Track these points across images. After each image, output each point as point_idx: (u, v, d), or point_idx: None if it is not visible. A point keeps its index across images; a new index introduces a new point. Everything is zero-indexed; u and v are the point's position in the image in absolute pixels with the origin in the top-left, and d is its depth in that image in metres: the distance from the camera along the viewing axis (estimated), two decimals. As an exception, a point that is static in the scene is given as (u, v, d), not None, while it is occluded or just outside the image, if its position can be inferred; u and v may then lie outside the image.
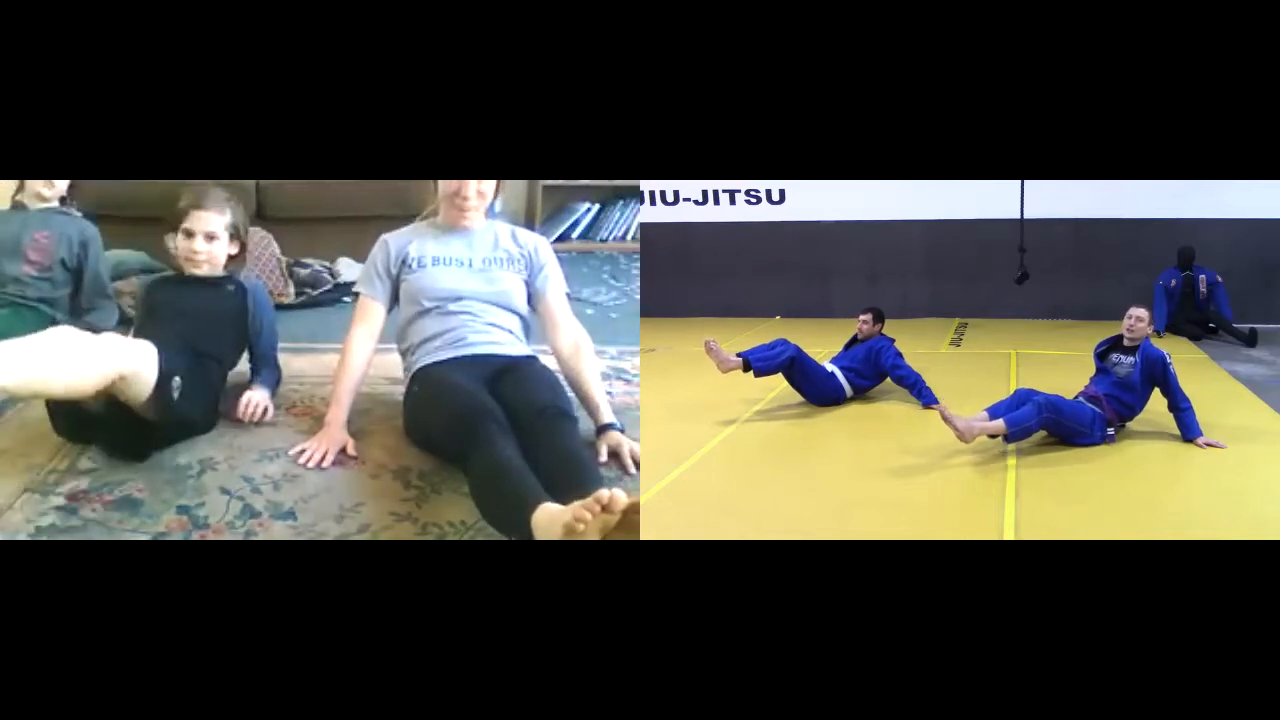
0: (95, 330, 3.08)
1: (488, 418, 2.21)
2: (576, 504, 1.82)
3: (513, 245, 2.71)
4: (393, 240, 2.68)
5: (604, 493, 1.80)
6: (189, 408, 2.37)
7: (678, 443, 3.49)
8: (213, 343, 2.62)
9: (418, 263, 2.63)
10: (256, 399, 2.67)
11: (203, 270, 2.68)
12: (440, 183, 2.65)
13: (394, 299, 2.67)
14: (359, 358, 2.58)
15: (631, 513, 1.83)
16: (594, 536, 1.82)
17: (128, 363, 2.15)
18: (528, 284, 2.69)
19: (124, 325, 2.97)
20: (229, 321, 2.70)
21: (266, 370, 2.80)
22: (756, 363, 3.85)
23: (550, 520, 1.87)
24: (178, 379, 2.28)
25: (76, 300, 3.20)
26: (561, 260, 2.83)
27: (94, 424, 2.27)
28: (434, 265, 2.62)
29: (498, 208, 2.83)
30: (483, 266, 2.63)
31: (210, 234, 2.65)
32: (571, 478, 2.05)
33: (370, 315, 2.64)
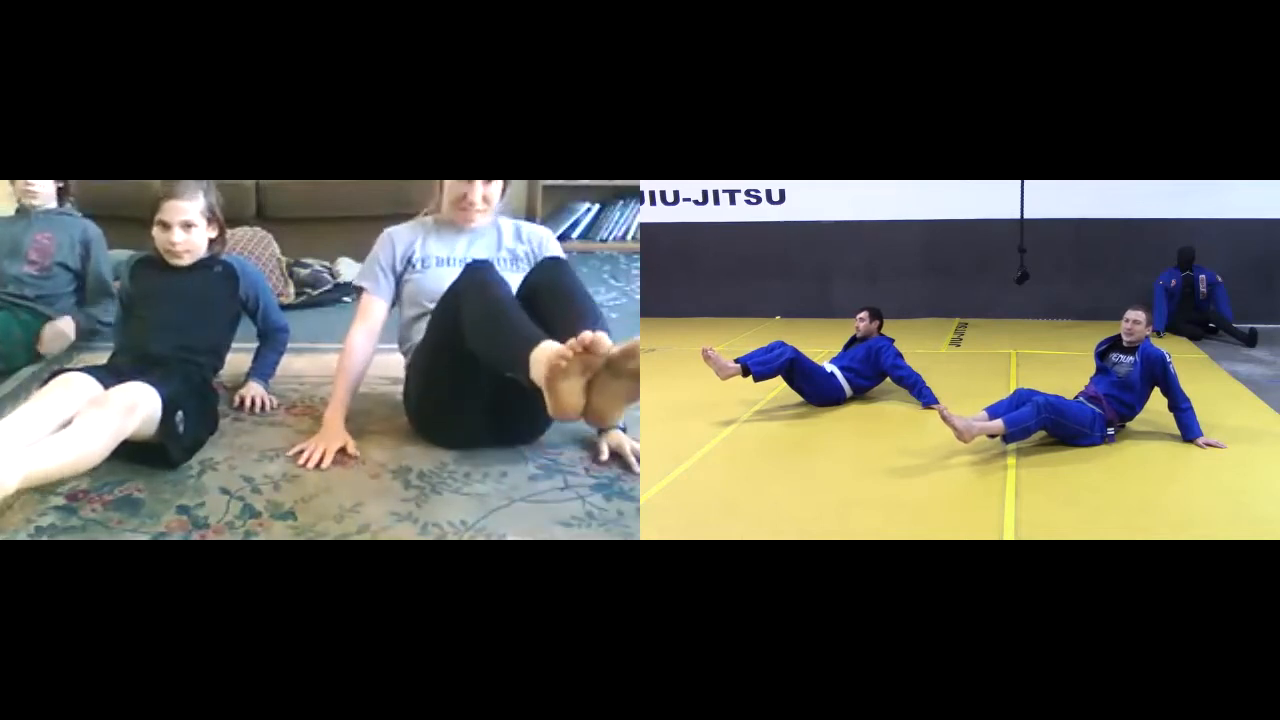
0: (102, 325, 3.12)
1: (491, 280, 2.27)
2: (561, 346, 1.91)
3: (517, 243, 2.69)
4: (398, 236, 2.66)
5: (587, 334, 1.89)
6: (196, 431, 2.38)
7: (678, 443, 3.49)
8: (205, 331, 2.62)
9: (421, 263, 2.61)
10: (251, 395, 2.69)
11: (184, 261, 2.64)
12: (445, 184, 2.64)
13: (397, 297, 2.67)
14: (359, 357, 2.57)
15: (626, 359, 1.91)
16: (579, 378, 1.91)
17: (134, 423, 2.14)
18: None
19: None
20: (220, 305, 2.69)
21: (271, 351, 2.81)
22: (755, 367, 3.85)
23: (538, 360, 1.97)
24: (181, 413, 2.28)
25: (80, 297, 3.21)
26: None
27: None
28: (437, 266, 2.61)
29: (499, 208, 2.82)
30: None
31: (186, 223, 2.61)
32: (571, 316, 2.15)
33: (371, 313, 2.62)
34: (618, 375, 1.93)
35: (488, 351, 2.17)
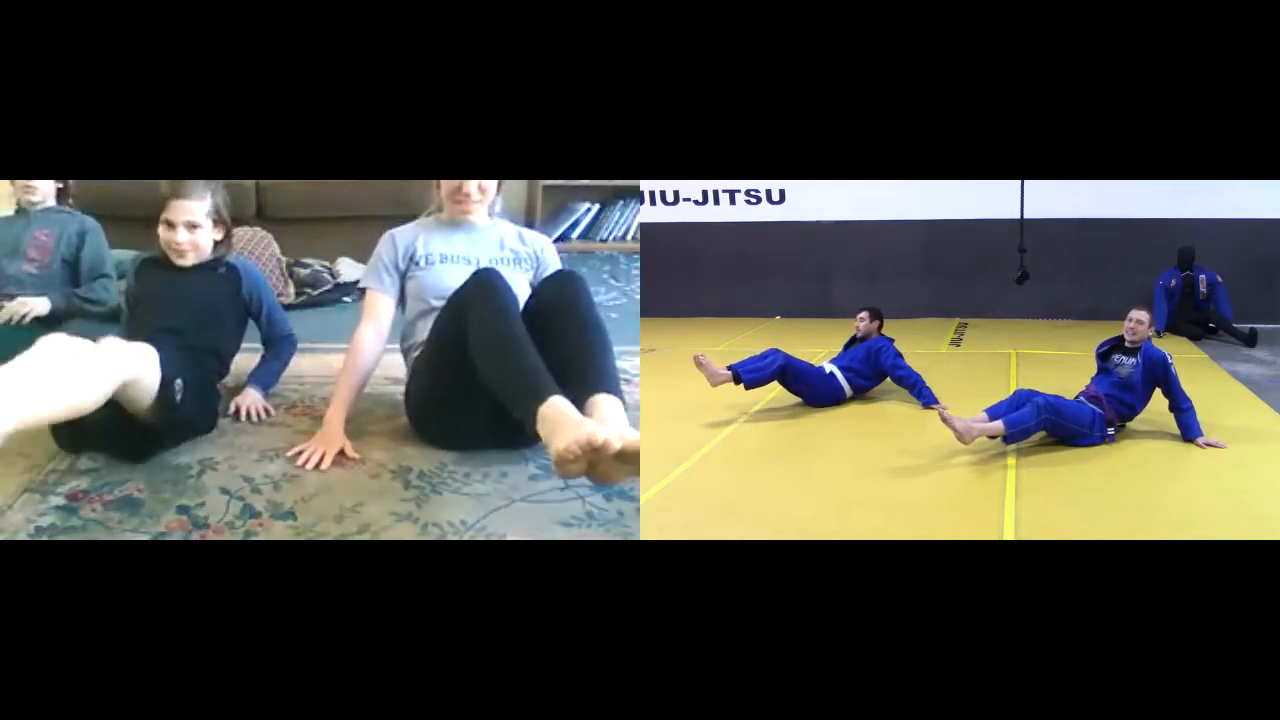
0: (92, 304, 3.10)
1: (503, 298, 2.23)
2: (571, 439, 1.86)
3: (519, 245, 2.70)
4: (400, 236, 2.67)
5: (597, 437, 1.84)
6: (192, 409, 2.36)
7: (678, 443, 3.49)
8: (210, 332, 2.62)
9: (425, 260, 2.62)
10: (248, 403, 2.67)
11: (188, 260, 2.65)
12: (442, 181, 2.65)
13: (401, 295, 2.67)
14: (367, 356, 2.55)
15: (631, 452, 1.88)
16: (584, 461, 1.87)
17: (129, 370, 2.11)
18: (532, 285, 2.68)
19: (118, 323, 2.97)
20: (224, 306, 2.69)
21: (274, 359, 2.81)
22: (747, 374, 3.85)
23: (545, 417, 1.95)
24: (179, 381, 2.27)
25: (75, 283, 3.20)
26: (562, 260, 2.83)
27: (94, 432, 2.23)
28: (441, 263, 2.61)
29: (497, 207, 2.83)
30: (489, 265, 2.62)
31: (191, 223, 2.61)
32: (582, 371, 2.14)
33: (379, 311, 2.61)
34: (624, 461, 1.92)
35: (495, 386, 2.14)
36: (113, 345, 2.14)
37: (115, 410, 2.14)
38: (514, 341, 2.14)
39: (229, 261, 2.74)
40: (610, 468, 1.91)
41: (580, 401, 2.04)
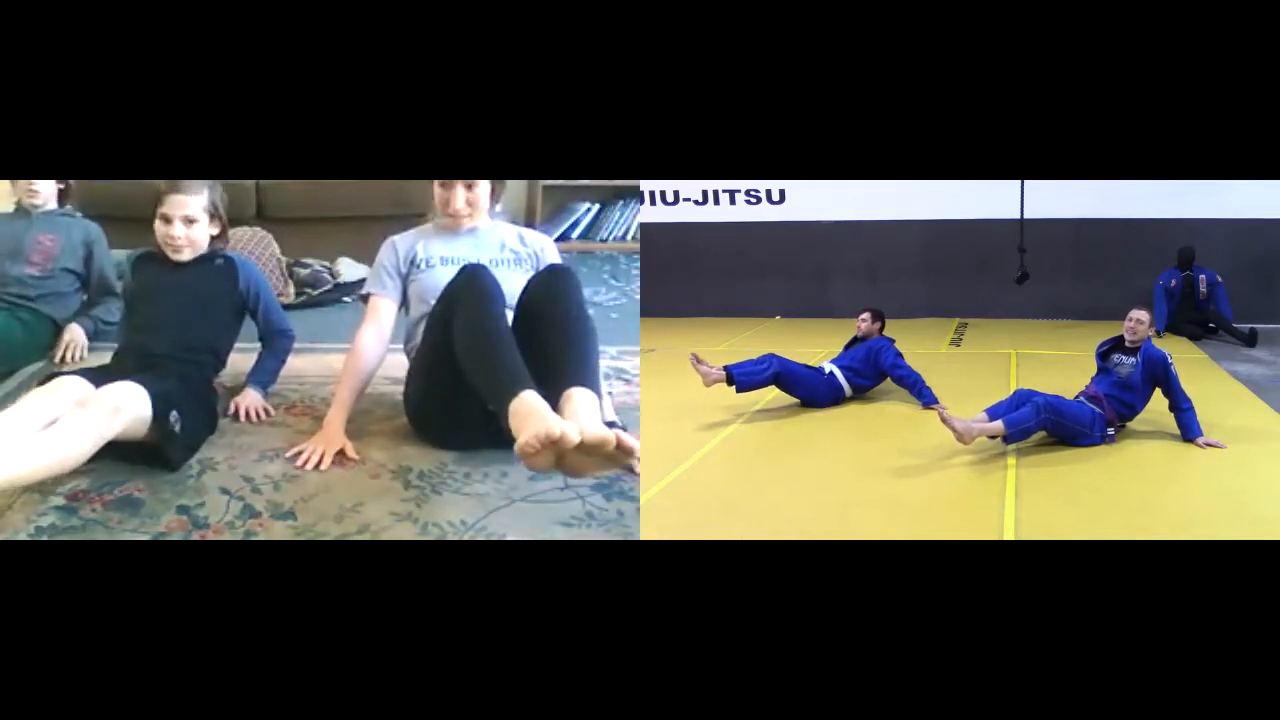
0: (108, 325, 3.12)
1: (487, 292, 2.22)
2: (530, 433, 1.84)
3: (520, 245, 2.71)
4: (400, 241, 2.68)
5: (555, 429, 1.82)
6: (194, 433, 2.36)
7: (678, 443, 3.49)
8: (207, 327, 2.62)
9: (426, 263, 2.63)
10: (248, 403, 2.67)
11: (184, 255, 2.65)
12: (435, 191, 2.65)
13: (404, 298, 2.67)
14: (369, 357, 2.55)
15: (597, 445, 1.86)
16: (550, 455, 1.85)
17: (118, 423, 2.11)
18: None
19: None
20: (222, 299, 2.69)
21: (271, 356, 2.80)
22: (740, 378, 3.85)
23: (515, 413, 1.93)
24: (176, 413, 2.25)
25: (85, 298, 3.22)
26: (562, 260, 2.83)
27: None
28: (442, 265, 2.62)
29: (498, 208, 2.83)
30: (489, 266, 2.62)
31: (188, 218, 2.61)
32: (560, 369, 2.11)
33: (381, 314, 2.62)
34: (589, 454, 1.89)
35: (474, 381, 2.14)
36: (104, 398, 2.13)
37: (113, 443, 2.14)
38: (493, 336, 2.15)
39: (225, 255, 2.74)
40: (577, 461, 1.89)
41: (558, 394, 2.04)
